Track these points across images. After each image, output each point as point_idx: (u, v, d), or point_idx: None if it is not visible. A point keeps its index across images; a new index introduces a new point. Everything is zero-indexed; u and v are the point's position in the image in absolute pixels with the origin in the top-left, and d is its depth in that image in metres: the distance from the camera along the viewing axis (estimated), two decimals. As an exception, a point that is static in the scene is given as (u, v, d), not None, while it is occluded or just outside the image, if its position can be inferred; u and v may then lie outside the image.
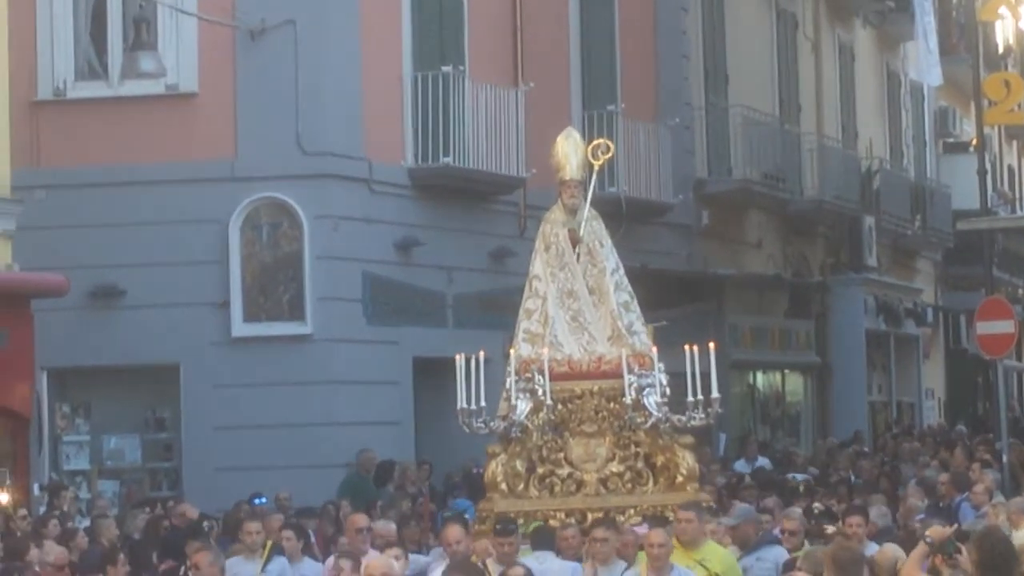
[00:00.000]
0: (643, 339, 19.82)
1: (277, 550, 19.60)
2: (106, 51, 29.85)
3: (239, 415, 28.38)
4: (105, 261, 28.08)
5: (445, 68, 30.72)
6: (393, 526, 20.22)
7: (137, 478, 29.56)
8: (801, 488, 27.17)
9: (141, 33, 28.53)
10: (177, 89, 29.45)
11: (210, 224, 29.07)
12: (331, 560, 17.86)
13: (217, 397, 28.78)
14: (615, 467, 19.37)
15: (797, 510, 21.51)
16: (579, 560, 16.31)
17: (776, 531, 19.84)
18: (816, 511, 19.91)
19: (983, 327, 34.97)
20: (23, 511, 24.69)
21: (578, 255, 20.00)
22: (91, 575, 18.28)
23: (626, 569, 15.82)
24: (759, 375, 41.13)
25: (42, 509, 25.52)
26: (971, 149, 49.53)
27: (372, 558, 15.58)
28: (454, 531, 17.54)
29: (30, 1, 28.31)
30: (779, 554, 17.55)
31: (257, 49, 28.89)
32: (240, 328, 29.16)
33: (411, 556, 17.82)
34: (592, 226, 20.43)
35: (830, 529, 18.26)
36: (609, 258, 20.35)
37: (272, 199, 29.00)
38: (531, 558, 16.46)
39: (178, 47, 29.41)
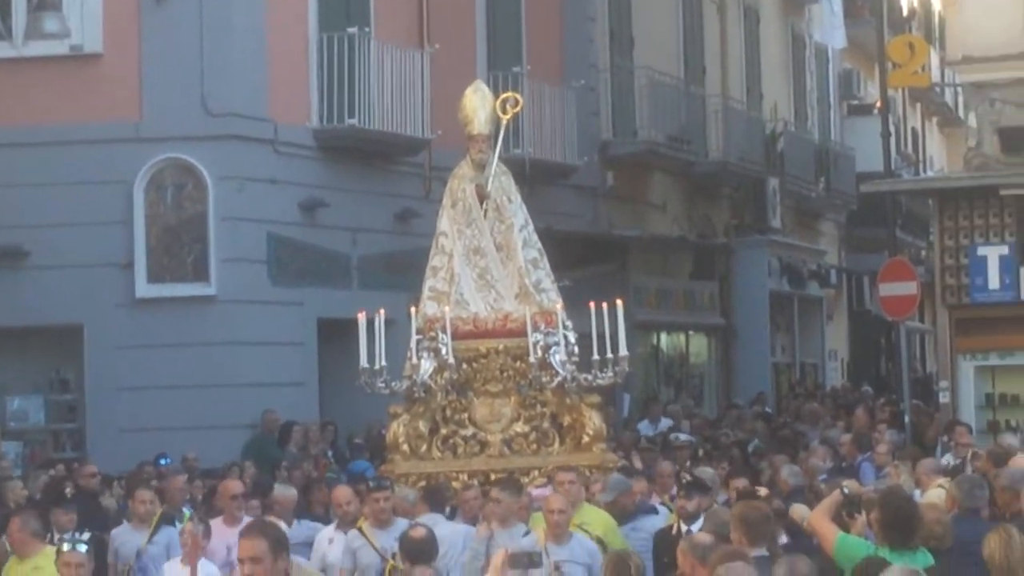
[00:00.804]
0: (551, 296, 19.85)
1: (166, 519, 19.12)
2: (10, 13, 29.75)
3: (143, 376, 28.44)
4: (8, 222, 28.00)
5: (351, 29, 30.77)
6: (293, 492, 19.73)
7: (40, 439, 29.59)
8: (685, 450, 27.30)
9: None
10: (81, 50, 29.35)
11: (115, 185, 29.04)
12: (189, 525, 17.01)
13: (121, 358, 28.81)
14: (520, 427, 19.45)
15: (668, 464, 22.12)
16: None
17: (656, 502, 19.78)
18: (684, 480, 19.85)
19: (886, 289, 35.04)
20: None
21: (485, 211, 20.02)
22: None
23: (527, 532, 15.70)
24: (663, 336, 41.30)
25: None
26: (875, 112, 49.58)
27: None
28: (343, 492, 17.96)
29: None
30: (655, 523, 17.70)
31: (162, 11, 28.89)
32: (144, 289, 29.14)
33: (305, 523, 17.96)
34: (500, 181, 20.44)
35: (762, 491, 18.24)
36: (517, 214, 20.40)
37: (177, 160, 29.00)
38: (425, 517, 16.51)
39: (82, 8, 29.27)
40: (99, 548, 17.26)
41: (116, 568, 17.80)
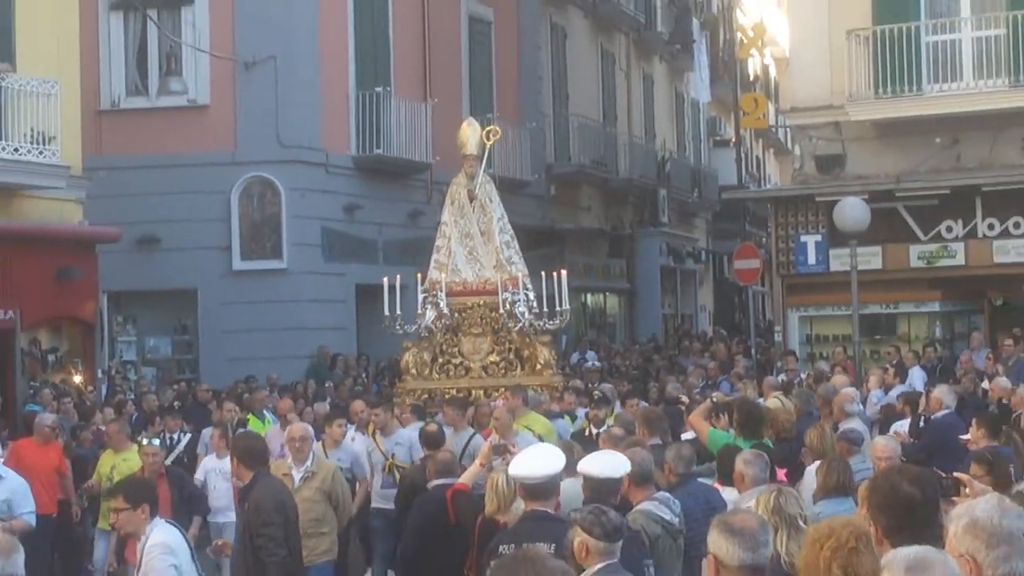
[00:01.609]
0: (518, 267, 20.07)
1: (241, 424, 19.43)
2: (147, 76, 29.74)
3: (238, 323, 28.40)
4: (147, 219, 27.99)
5: (378, 88, 30.69)
6: (327, 407, 20.52)
7: (168, 366, 29.72)
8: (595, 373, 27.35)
9: (171, 63, 28.83)
10: (195, 103, 29.36)
11: (218, 194, 29.05)
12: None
13: (223, 311, 28.80)
14: (493, 358, 19.77)
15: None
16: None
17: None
18: (596, 396, 20.04)
19: (739, 264, 35.21)
20: (91, 388, 25.15)
21: (474, 207, 20.18)
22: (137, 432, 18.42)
23: (473, 434, 15.90)
24: (589, 296, 40.91)
25: (104, 387, 25.56)
26: (731, 145, 50.00)
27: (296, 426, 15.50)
28: (357, 404, 18.85)
29: (93, 42, 28.13)
30: (577, 425, 17.60)
31: (250, 74, 28.78)
32: (238, 264, 29.33)
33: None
34: (484, 187, 20.63)
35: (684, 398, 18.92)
36: (496, 210, 20.56)
37: (260, 177, 29.03)
38: (412, 425, 17.16)
39: (196, 73, 29.30)
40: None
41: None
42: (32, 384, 24.29)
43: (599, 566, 7.15)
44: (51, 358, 25.78)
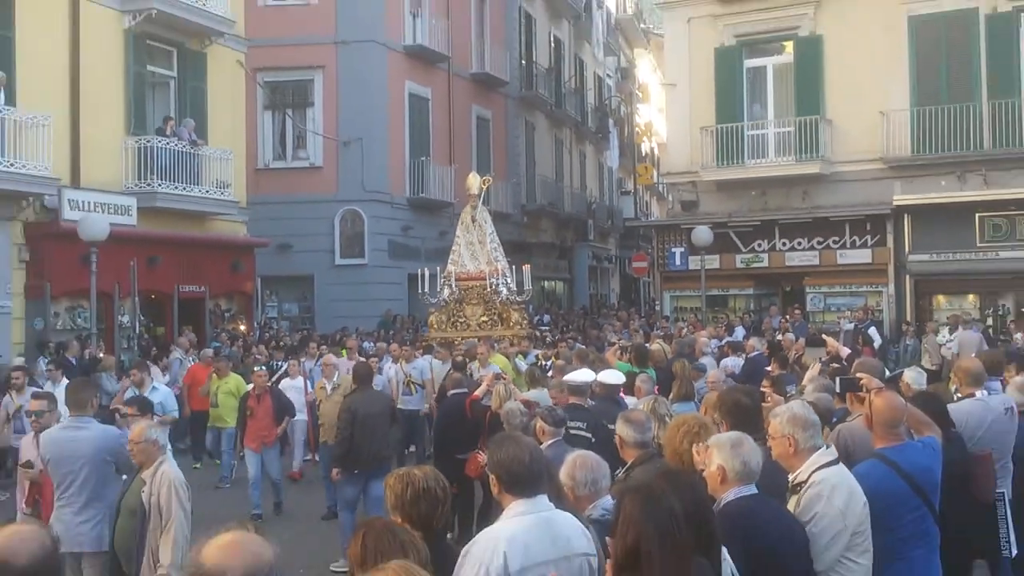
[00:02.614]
0: (501, 263, 20.60)
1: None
2: (285, 148, 29.69)
3: (337, 295, 28.27)
4: (283, 233, 27.76)
5: (423, 157, 30.67)
6: (384, 345, 20.10)
7: (295, 321, 29.32)
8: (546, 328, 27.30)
9: (299, 141, 29.25)
10: (314, 165, 29.27)
11: (326, 219, 28.84)
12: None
13: (330, 289, 28.58)
14: (484, 318, 20.12)
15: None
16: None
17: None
18: (546, 341, 20.64)
19: (635, 264, 35.48)
20: (250, 333, 25.30)
21: (475, 226, 20.92)
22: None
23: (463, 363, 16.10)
24: (546, 283, 39.99)
25: (256, 333, 25.54)
26: (630, 194, 49.80)
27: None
28: (394, 347, 19.07)
29: (253, 127, 28.06)
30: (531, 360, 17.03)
31: (346, 148, 28.64)
32: (338, 261, 29.07)
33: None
34: (482, 214, 21.07)
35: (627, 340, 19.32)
36: (488, 228, 20.98)
37: (352, 210, 28.83)
38: (423, 358, 17.58)
39: (314, 147, 29.28)
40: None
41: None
42: (215, 330, 24.36)
43: (550, 442, 7.34)
44: (226, 315, 25.78)
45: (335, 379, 14.25)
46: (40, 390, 12.99)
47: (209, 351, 19.16)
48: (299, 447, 16.46)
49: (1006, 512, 7.42)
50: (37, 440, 8.15)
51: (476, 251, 20.59)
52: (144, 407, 8.69)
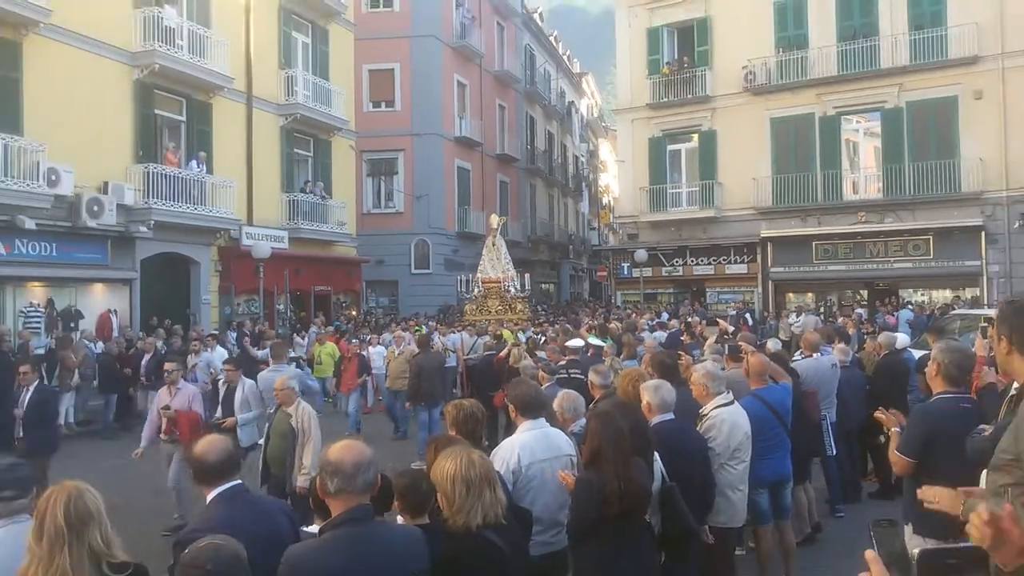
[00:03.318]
0: (511, 272, 20.45)
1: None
2: (380, 199, 29.04)
3: (413, 292, 28.08)
4: (379, 254, 27.31)
5: (466, 206, 30.44)
6: (433, 324, 19.37)
7: (387, 310, 28.40)
8: (543, 313, 26.74)
9: (390, 195, 28.15)
10: (398, 211, 28.49)
11: (405, 245, 28.36)
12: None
13: (409, 289, 28.22)
14: (499, 308, 19.48)
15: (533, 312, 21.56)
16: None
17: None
18: (539, 320, 20.02)
19: (599, 273, 34.53)
20: (359, 317, 24.53)
21: (495, 249, 20.68)
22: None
23: (480, 337, 15.41)
24: (542, 285, 39.14)
25: (362, 316, 25.17)
26: (596, 229, 49.28)
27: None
28: (438, 327, 17.92)
29: (360, 186, 27.68)
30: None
31: (419, 200, 27.56)
32: (413, 271, 28.52)
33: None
34: (499, 240, 20.79)
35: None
36: (502, 249, 20.72)
37: (422, 240, 28.46)
38: (455, 335, 16.35)
39: (398, 199, 28.51)
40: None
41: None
42: (337, 315, 24.10)
43: (547, 384, 7.29)
44: (344, 305, 25.50)
45: (402, 346, 13.52)
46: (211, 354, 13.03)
47: (331, 328, 19.11)
48: (371, 392, 15.32)
49: (828, 427, 7.45)
50: (171, 391, 8.06)
51: (495, 264, 20.46)
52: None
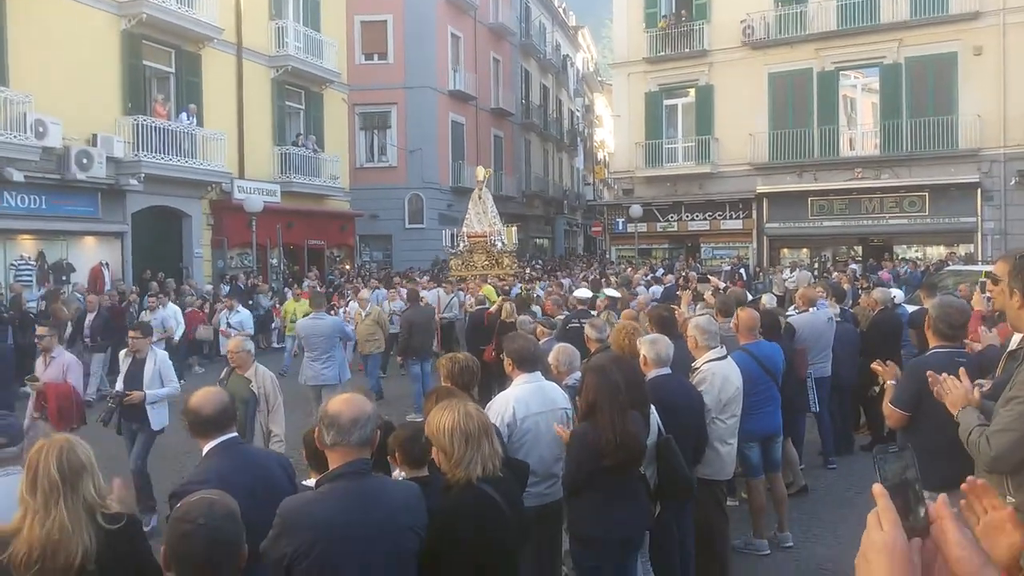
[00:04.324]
0: (498, 226, 19.56)
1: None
2: (373, 153, 28.73)
3: (407, 247, 27.86)
4: (373, 208, 27.13)
5: (460, 160, 30.00)
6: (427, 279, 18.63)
7: (380, 264, 28.14)
8: (536, 270, 26.65)
9: (383, 149, 27.64)
10: (391, 164, 28.07)
11: (398, 199, 28.05)
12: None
13: (402, 243, 28.07)
14: (485, 262, 18.95)
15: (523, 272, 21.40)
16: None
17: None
18: (527, 278, 20.10)
19: (593, 228, 34.54)
20: (351, 271, 24.34)
21: (481, 201, 20.15)
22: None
23: (459, 291, 15.17)
24: (536, 240, 39.00)
25: (356, 270, 24.95)
26: (591, 184, 48.89)
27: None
28: (427, 282, 17.29)
29: (352, 140, 27.28)
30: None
31: (412, 154, 27.35)
32: (407, 226, 28.26)
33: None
34: (485, 193, 20.00)
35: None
36: (488, 201, 19.93)
37: (415, 194, 28.22)
38: (435, 289, 15.41)
39: (391, 153, 28.14)
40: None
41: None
42: (330, 269, 24.10)
43: (545, 339, 7.26)
44: (337, 259, 25.39)
45: (368, 308, 11.91)
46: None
47: (316, 284, 18.45)
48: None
49: (812, 384, 7.50)
50: (45, 359, 6.60)
51: (481, 218, 19.75)
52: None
